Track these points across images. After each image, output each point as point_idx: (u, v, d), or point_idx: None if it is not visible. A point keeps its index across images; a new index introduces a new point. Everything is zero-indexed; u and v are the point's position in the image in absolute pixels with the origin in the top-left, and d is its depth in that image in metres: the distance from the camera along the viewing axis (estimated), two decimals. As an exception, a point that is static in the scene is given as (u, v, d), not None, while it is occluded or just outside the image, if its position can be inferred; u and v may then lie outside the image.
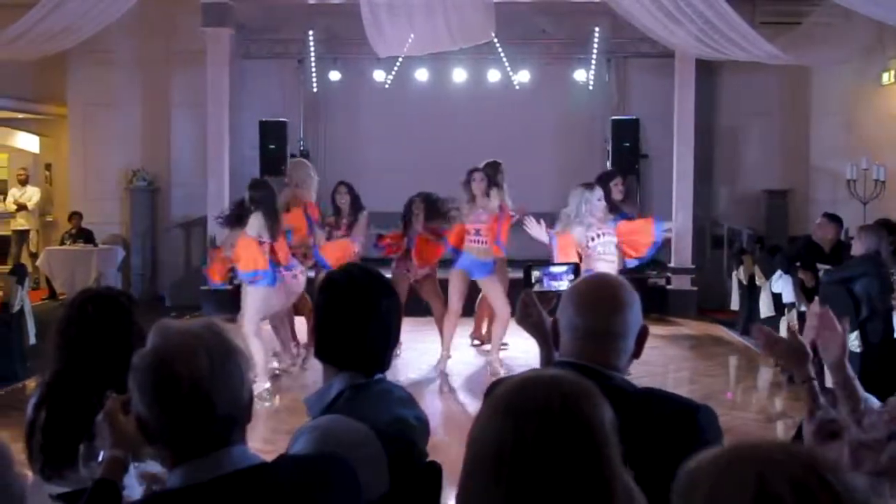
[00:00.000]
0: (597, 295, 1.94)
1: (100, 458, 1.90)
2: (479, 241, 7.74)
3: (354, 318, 2.08)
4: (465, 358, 8.46)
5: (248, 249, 6.80)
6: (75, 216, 12.29)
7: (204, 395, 1.55)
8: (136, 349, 1.63)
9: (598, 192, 7.08)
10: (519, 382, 1.30)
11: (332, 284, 2.16)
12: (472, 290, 8.12)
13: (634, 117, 12.32)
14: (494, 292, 7.81)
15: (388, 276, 8.49)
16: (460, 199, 7.83)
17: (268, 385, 7.02)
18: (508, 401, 1.27)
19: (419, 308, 8.32)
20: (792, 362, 2.29)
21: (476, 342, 8.94)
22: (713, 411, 1.91)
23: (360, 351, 2.08)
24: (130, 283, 12.16)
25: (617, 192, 8.12)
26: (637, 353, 1.93)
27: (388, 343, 2.13)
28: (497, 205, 7.76)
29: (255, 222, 6.79)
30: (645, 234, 7.23)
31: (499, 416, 1.26)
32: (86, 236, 12.12)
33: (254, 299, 6.87)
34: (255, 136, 12.24)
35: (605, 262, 7.01)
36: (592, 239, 7.06)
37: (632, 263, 7.32)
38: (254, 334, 6.86)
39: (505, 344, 8.47)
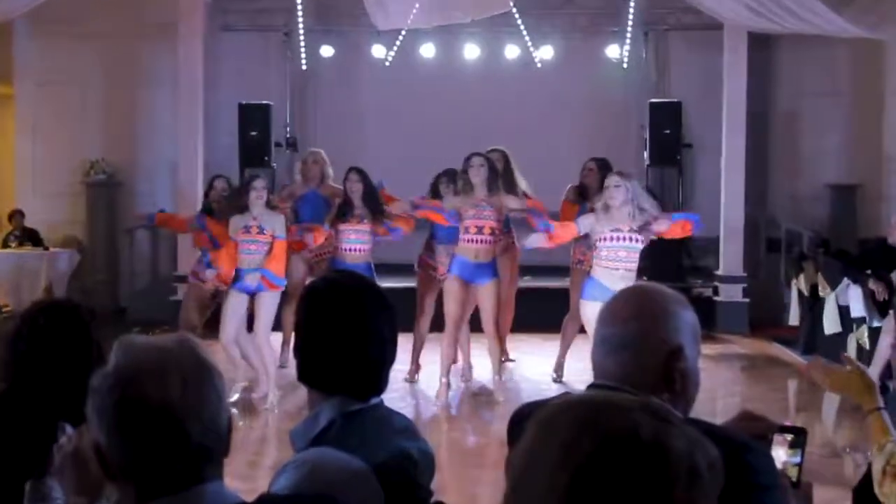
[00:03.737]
0: (624, 301, 1.96)
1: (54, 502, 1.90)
2: (478, 241, 7.73)
3: (343, 334, 2.08)
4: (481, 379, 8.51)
5: (282, 251, 7.80)
6: (16, 215, 12.17)
7: (175, 422, 1.54)
8: (95, 369, 1.64)
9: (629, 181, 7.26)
10: (592, 405, 1.28)
11: (315, 295, 2.17)
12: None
13: (676, 100, 12.31)
14: (490, 302, 7.77)
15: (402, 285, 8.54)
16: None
17: (278, 393, 7.84)
18: (582, 425, 1.25)
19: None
20: (854, 392, 2.29)
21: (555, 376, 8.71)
22: (766, 450, 1.91)
23: (352, 372, 2.08)
24: (87, 292, 12.18)
25: (593, 179, 8.30)
26: (667, 378, 1.91)
27: (383, 361, 2.13)
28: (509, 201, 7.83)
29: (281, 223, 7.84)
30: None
31: (557, 442, 1.25)
32: (32, 238, 12.05)
33: (274, 306, 7.88)
34: (233, 121, 12.25)
35: (609, 270, 7.06)
36: (603, 239, 7.12)
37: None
38: (268, 343, 7.89)
39: (512, 359, 8.51)
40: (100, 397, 1.59)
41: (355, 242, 8.12)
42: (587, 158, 8.98)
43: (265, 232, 7.82)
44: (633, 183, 7.30)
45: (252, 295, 7.81)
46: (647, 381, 1.88)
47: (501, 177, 7.95)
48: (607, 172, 7.91)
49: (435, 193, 8.37)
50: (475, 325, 8.40)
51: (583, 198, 8.45)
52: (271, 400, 7.79)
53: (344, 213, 8.15)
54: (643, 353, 1.90)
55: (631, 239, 7.16)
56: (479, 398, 8.16)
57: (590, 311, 6.87)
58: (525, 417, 2.10)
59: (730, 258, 11.46)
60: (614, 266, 7.12)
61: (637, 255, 7.18)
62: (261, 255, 7.78)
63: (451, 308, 7.79)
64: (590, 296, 7.06)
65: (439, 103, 12.48)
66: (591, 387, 1.97)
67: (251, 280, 7.70)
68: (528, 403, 2.23)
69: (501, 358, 8.33)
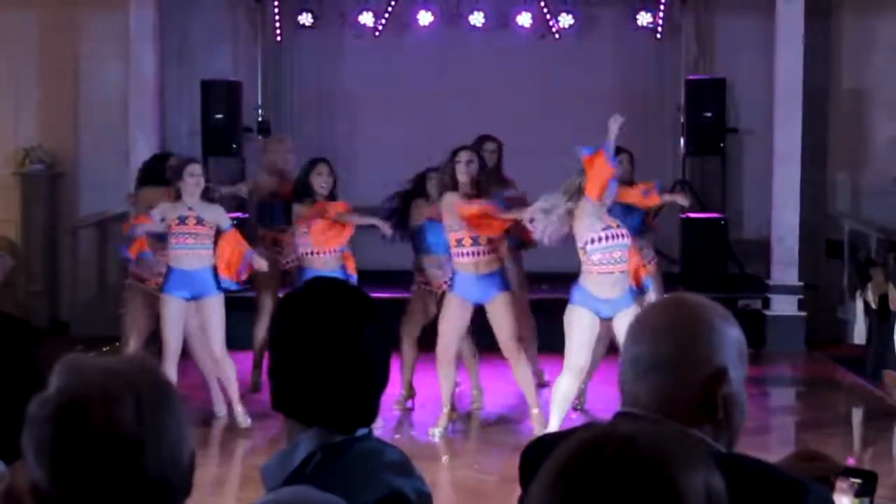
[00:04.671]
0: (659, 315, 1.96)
1: None
2: (474, 253, 7.75)
3: (326, 353, 2.08)
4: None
5: (231, 247, 7.98)
6: None
7: (128, 455, 1.54)
8: (32, 394, 1.65)
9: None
10: (622, 452, 1.28)
11: (292, 307, 2.17)
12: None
13: (719, 77, 12.32)
14: (504, 319, 7.81)
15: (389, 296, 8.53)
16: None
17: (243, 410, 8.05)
18: (609, 475, 1.25)
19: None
20: None
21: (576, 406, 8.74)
22: (828, 493, 1.91)
23: (336, 398, 2.08)
24: (20, 304, 12.17)
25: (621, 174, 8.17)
26: (707, 405, 1.91)
27: (372, 385, 2.13)
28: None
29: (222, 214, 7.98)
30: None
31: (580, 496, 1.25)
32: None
33: (222, 307, 7.99)
34: (195, 101, 12.27)
35: (603, 274, 7.17)
36: (592, 241, 7.21)
37: None
38: (225, 355, 8.00)
39: (546, 382, 8.53)
40: (38, 428, 1.59)
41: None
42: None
43: (204, 224, 7.81)
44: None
45: (191, 300, 7.83)
46: (684, 409, 1.88)
47: (493, 173, 8.01)
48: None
49: (417, 192, 8.38)
50: (485, 344, 8.42)
51: None
52: (241, 421, 7.82)
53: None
54: (679, 376, 1.90)
55: (623, 236, 7.32)
56: (489, 429, 8.17)
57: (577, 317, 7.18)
58: (539, 453, 2.10)
59: (783, 265, 11.45)
60: (609, 270, 7.26)
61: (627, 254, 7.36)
62: (203, 252, 7.78)
63: (446, 327, 7.84)
64: (579, 301, 7.31)
65: (438, 82, 12.49)
66: (618, 416, 1.97)
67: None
68: (541, 437, 2.23)
69: (536, 382, 8.35)
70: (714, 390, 1.89)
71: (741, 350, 1.97)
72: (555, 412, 7.34)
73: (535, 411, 7.92)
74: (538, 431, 7.68)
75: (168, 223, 7.84)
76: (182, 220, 7.80)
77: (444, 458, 7.63)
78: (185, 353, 8.18)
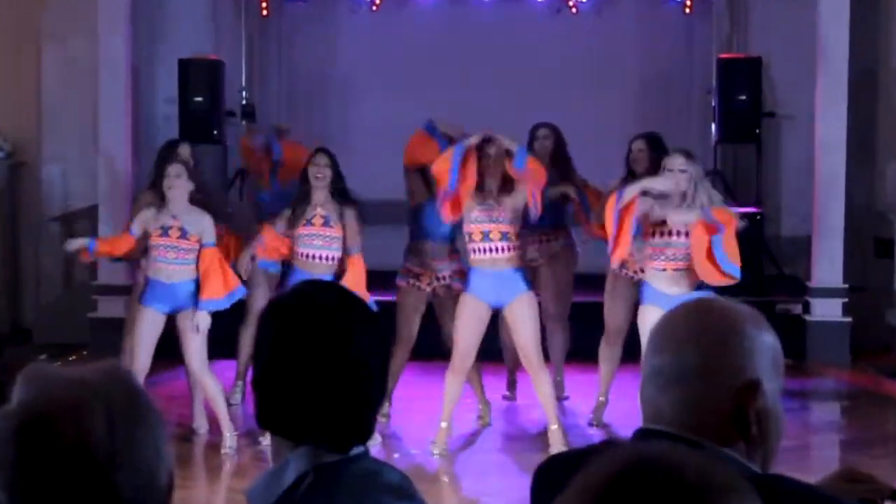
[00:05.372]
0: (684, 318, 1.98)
1: None
2: (489, 249, 7.83)
3: (317, 364, 2.08)
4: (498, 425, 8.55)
5: (215, 266, 7.89)
6: None
7: (98, 473, 1.54)
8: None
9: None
10: (644, 474, 1.28)
11: (279, 313, 2.16)
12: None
13: (755, 55, 12.32)
14: (526, 322, 7.86)
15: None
16: None
17: (235, 433, 7.98)
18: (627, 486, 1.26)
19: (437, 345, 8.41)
20: None
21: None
22: None
23: (329, 414, 2.07)
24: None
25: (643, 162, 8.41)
26: (739, 421, 1.91)
27: (368, 398, 2.13)
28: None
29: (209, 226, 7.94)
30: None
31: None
32: None
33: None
34: (172, 83, 12.27)
35: (663, 273, 7.40)
36: (659, 233, 7.47)
37: None
38: (208, 370, 7.96)
39: (567, 396, 8.58)
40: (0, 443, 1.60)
41: (320, 249, 8.08)
42: (634, 134, 9.01)
43: (189, 237, 7.81)
44: (697, 168, 7.55)
45: (171, 314, 7.85)
46: (713, 425, 1.88)
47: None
48: (662, 153, 8.05)
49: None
50: (490, 354, 8.45)
51: None
52: (229, 443, 7.84)
53: (304, 211, 8.12)
54: (706, 389, 1.90)
55: (679, 234, 7.47)
56: (495, 447, 8.18)
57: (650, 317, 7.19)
58: (554, 474, 2.11)
59: (826, 265, 11.42)
60: (661, 266, 7.50)
61: (687, 253, 7.47)
62: (184, 267, 7.79)
63: (463, 335, 7.86)
64: (649, 300, 7.47)
65: (443, 61, 12.49)
66: (639, 433, 1.97)
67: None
68: (556, 456, 2.24)
69: (556, 395, 8.39)
70: (746, 404, 1.89)
71: (776, 359, 1.96)
72: None
73: (553, 427, 7.90)
74: (555, 450, 7.70)
75: (149, 233, 7.85)
76: (164, 232, 7.81)
77: (445, 479, 7.64)
78: (165, 363, 8.21)
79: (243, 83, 12.86)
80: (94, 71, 11.72)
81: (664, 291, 7.36)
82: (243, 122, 12.51)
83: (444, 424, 8.00)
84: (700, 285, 7.43)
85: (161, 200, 7.97)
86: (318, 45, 12.90)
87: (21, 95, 12.56)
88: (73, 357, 10.07)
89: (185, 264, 7.84)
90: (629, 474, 1.28)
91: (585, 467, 1.31)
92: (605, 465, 1.30)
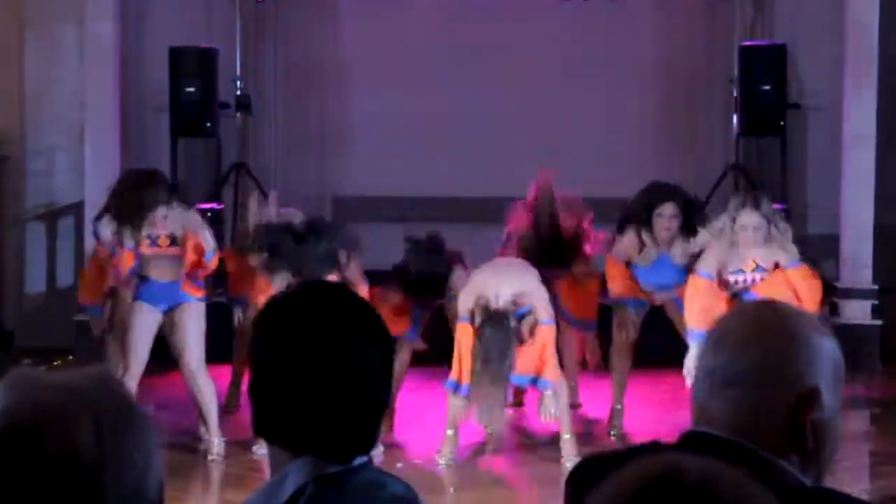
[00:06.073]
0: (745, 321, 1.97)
1: None
2: None
3: (315, 368, 2.08)
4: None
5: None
6: None
7: (85, 484, 1.54)
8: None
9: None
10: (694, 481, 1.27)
11: (277, 314, 2.17)
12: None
13: (780, 43, 12.30)
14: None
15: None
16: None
17: (222, 439, 8.05)
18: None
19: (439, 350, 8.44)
20: None
21: None
22: None
23: (328, 422, 2.08)
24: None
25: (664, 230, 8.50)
26: (794, 432, 1.90)
27: (372, 406, 2.13)
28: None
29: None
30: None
31: None
32: None
33: (202, 318, 8.06)
34: (163, 72, 12.29)
35: None
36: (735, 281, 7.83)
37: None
38: (203, 370, 8.00)
39: (579, 403, 8.67)
40: (-21, 453, 1.59)
41: None
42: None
43: (178, 243, 7.88)
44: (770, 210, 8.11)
45: (167, 312, 7.85)
46: (767, 433, 1.87)
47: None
48: (696, 219, 8.33)
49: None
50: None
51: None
52: (217, 450, 7.83)
53: None
54: (762, 395, 1.90)
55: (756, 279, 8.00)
56: (504, 456, 8.17)
57: None
58: (591, 478, 2.10)
59: (854, 265, 11.43)
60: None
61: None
62: (181, 268, 7.81)
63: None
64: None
65: (448, 50, 12.47)
66: (687, 436, 1.96)
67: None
68: (590, 457, 2.22)
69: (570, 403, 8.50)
70: (803, 414, 1.88)
71: (838, 371, 1.95)
72: None
73: (566, 437, 7.99)
74: (567, 461, 7.73)
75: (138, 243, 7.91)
76: (153, 242, 7.82)
77: (452, 490, 7.63)
78: (158, 368, 8.20)
79: (237, 72, 12.87)
80: (80, 61, 11.73)
81: None
82: (237, 115, 12.51)
83: (449, 433, 8.05)
84: None
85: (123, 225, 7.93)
86: (316, 32, 12.91)
87: (2, 87, 12.57)
88: (58, 362, 10.06)
89: (180, 266, 7.86)
90: (660, 486, 1.27)
91: (618, 471, 1.30)
92: (638, 473, 1.29)
